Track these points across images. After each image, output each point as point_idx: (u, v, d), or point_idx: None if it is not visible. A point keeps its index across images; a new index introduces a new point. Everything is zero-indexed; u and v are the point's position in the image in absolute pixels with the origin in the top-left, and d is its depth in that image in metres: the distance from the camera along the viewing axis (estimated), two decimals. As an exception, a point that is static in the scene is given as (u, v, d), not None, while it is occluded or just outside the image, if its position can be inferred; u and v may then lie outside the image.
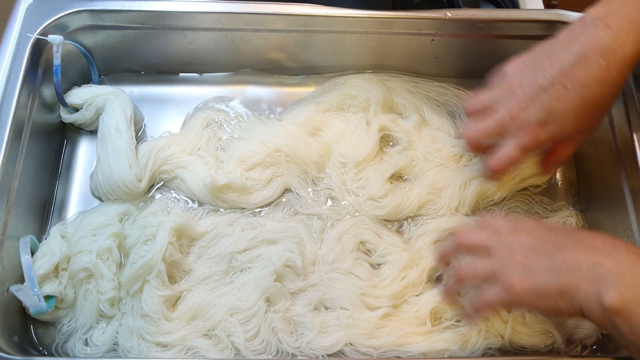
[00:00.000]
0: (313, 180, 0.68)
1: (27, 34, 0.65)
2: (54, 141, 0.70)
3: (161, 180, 0.67)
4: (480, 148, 0.61)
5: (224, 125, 0.71)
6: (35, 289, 0.56)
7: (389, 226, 0.67)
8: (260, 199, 0.66)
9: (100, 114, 0.68)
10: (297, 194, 0.68)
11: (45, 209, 0.66)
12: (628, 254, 0.47)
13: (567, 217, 0.68)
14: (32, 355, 0.57)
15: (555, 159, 0.63)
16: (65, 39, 0.65)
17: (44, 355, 0.58)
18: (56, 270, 0.59)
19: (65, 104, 0.68)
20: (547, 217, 0.68)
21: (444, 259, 0.61)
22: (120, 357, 0.57)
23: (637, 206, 0.63)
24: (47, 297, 0.58)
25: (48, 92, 0.67)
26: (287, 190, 0.68)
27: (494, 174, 0.61)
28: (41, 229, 0.65)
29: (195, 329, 0.59)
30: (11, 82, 0.63)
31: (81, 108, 0.69)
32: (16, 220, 0.60)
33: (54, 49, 0.64)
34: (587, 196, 0.71)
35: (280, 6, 0.69)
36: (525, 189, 0.70)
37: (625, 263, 0.46)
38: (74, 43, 0.68)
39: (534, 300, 0.50)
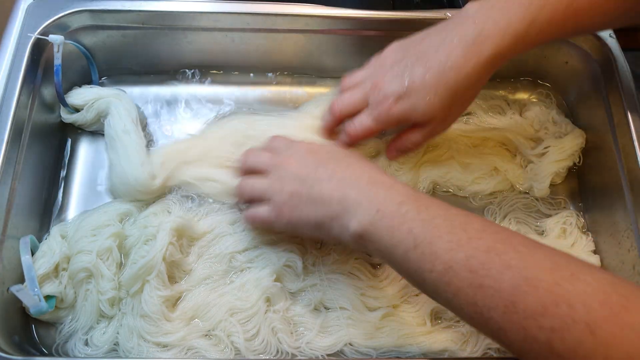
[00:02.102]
0: None
1: (28, 34, 0.65)
2: (54, 141, 0.70)
3: (182, 184, 0.67)
4: (342, 120, 0.63)
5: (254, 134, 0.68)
6: (36, 289, 0.56)
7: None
8: None
9: (101, 116, 0.68)
10: None
11: (45, 209, 0.66)
12: (367, 184, 0.51)
13: (567, 217, 0.68)
14: (32, 355, 0.57)
15: (402, 142, 0.63)
16: (65, 39, 0.65)
17: (44, 355, 0.58)
18: (56, 270, 0.59)
19: (65, 104, 0.68)
20: (547, 217, 0.68)
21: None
22: (121, 357, 0.57)
23: (637, 206, 0.62)
24: (48, 297, 0.58)
25: (48, 92, 0.67)
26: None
27: (349, 139, 0.63)
28: (41, 229, 0.65)
29: (195, 329, 0.59)
30: (11, 82, 0.63)
31: (82, 109, 0.69)
32: (16, 220, 0.60)
33: (55, 49, 0.64)
34: (587, 196, 0.71)
35: (280, 6, 0.69)
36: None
37: (364, 192, 0.51)
38: (75, 43, 0.68)
39: (297, 229, 0.56)
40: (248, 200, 0.60)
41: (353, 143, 0.64)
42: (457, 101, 0.58)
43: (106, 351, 0.58)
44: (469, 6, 0.57)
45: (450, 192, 0.70)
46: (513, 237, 0.45)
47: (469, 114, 0.74)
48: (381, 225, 0.48)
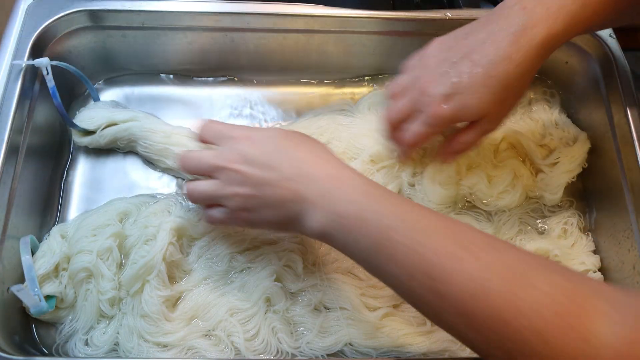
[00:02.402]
0: None
1: (14, 62, 0.63)
2: (55, 140, 0.70)
3: None
4: (398, 127, 0.61)
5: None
6: (36, 289, 0.56)
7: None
8: None
9: (116, 139, 0.68)
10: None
11: (45, 209, 0.66)
12: (322, 180, 0.49)
13: (568, 217, 0.68)
14: (32, 355, 0.57)
15: (455, 144, 0.61)
16: (63, 41, 0.65)
17: (44, 355, 0.58)
18: (56, 270, 0.59)
19: (73, 125, 0.67)
20: (548, 217, 0.68)
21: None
22: (121, 357, 0.57)
23: (637, 206, 0.63)
24: (48, 297, 0.58)
25: (48, 93, 0.67)
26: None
27: (405, 148, 0.62)
28: (41, 229, 0.65)
29: (195, 329, 0.59)
30: (11, 83, 0.63)
31: (93, 131, 0.68)
32: (16, 220, 0.60)
33: (44, 72, 0.62)
34: (587, 196, 0.71)
35: (280, 6, 0.69)
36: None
37: (320, 191, 0.49)
38: (65, 64, 0.66)
39: (260, 229, 0.56)
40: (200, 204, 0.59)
41: (411, 150, 0.63)
42: (509, 93, 0.55)
43: (106, 351, 0.58)
44: None
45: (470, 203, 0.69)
46: (473, 239, 0.44)
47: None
48: (341, 229, 0.47)
